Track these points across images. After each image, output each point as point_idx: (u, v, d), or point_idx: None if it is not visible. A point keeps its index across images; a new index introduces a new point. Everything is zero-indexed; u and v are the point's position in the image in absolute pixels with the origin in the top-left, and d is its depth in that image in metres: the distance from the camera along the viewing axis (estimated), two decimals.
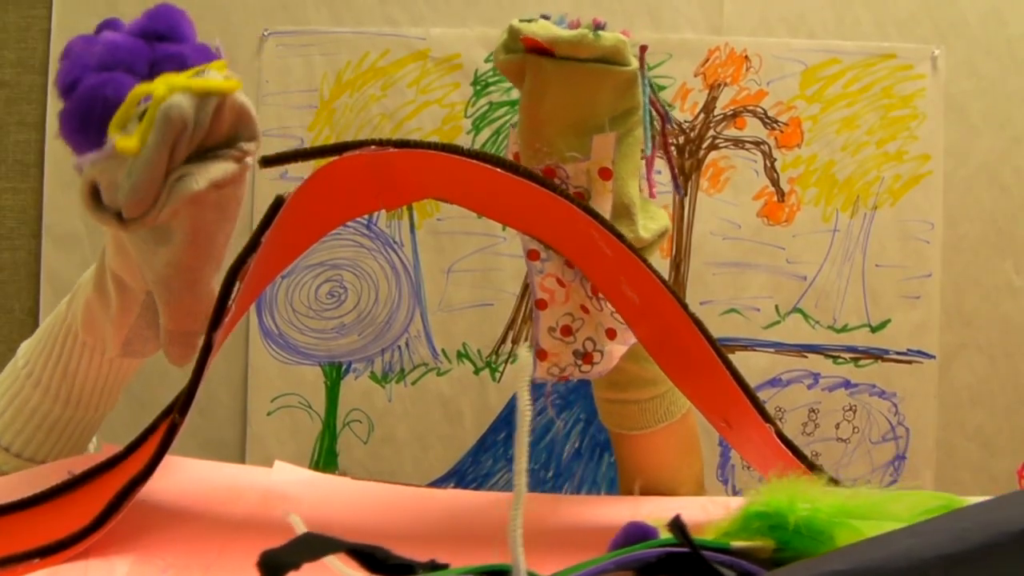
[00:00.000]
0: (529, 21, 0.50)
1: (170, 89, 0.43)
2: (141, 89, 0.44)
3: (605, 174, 0.50)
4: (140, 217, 0.44)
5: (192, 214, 0.45)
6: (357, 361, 1.36)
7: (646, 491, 0.62)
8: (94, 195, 0.45)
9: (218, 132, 0.45)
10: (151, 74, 0.45)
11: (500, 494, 0.55)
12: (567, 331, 0.51)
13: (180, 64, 0.46)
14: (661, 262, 1.35)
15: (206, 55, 0.47)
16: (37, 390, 0.54)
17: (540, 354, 0.52)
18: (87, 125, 0.44)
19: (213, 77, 0.44)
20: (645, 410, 0.58)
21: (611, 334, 0.51)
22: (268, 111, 1.34)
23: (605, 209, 0.50)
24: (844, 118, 1.36)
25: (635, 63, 0.50)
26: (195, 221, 0.45)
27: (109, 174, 0.44)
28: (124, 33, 0.47)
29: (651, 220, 0.53)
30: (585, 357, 0.52)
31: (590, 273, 0.49)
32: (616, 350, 0.51)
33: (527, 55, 0.49)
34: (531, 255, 0.51)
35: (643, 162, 0.53)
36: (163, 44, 0.47)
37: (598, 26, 0.48)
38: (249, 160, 0.46)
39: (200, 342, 0.40)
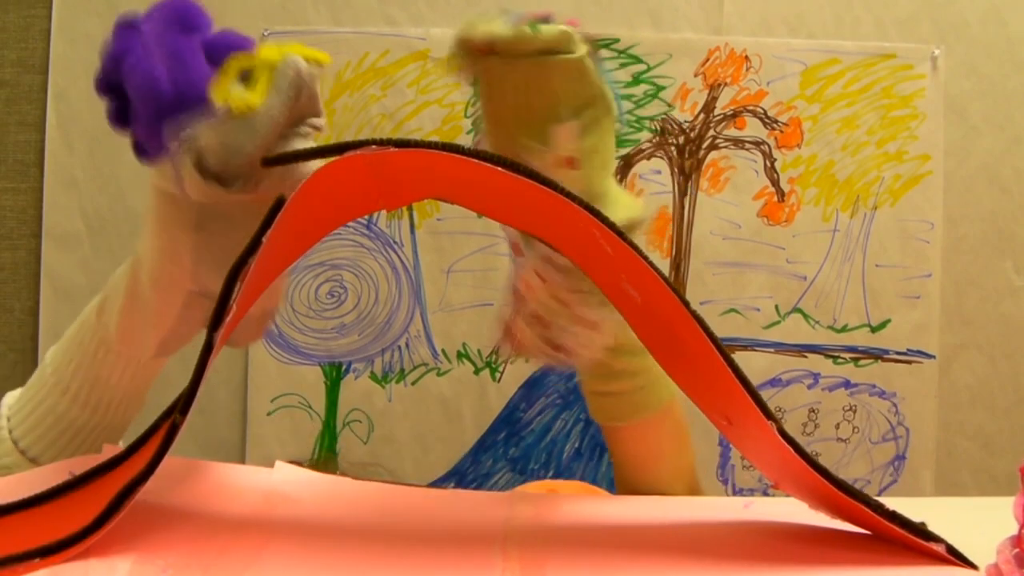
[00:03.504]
0: (483, 20, 0.50)
1: (282, 52, 0.43)
2: (241, 58, 0.44)
3: (571, 163, 0.50)
4: (254, 182, 0.44)
5: (285, 185, 0.45)
6: (357, 361, 1.36)
7: (637, 482, 0.62)
8: (200, 166, 0.44)
9: (312, 106, 0.46)
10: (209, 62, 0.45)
11: (500, 493, 0.55)
12: (539, 321, 0.52)
13: (236, 47, 0.46)
14: (661, 262, 1.35)
15: (245, 41, 0.47)
16: (65, 398, 0.53)
17: (508, 334, 0.53)
18: (163, 112, 0.44)
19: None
20: (625, 403, 0.58)
21: (590, 325, 0.52)
22: None
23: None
24: (844, 118, 1.36)
25: (582, 50, 0.49)
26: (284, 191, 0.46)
27: (220, 137, 0.43)
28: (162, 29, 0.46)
29: (618, 210, 0.53)
30: (557, 347, 0.52)
31: (591, 272, 0.49)
32: (595, 339, 0.52)
33: (474, 57, 0.50)
34: (514, 248, 0.52)
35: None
36: (200, 33, 0.47)
37: (542, 19, 0.49)
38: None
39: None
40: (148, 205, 0.49)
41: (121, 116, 0.47)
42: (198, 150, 0.44)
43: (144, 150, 0.46)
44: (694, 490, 0.64)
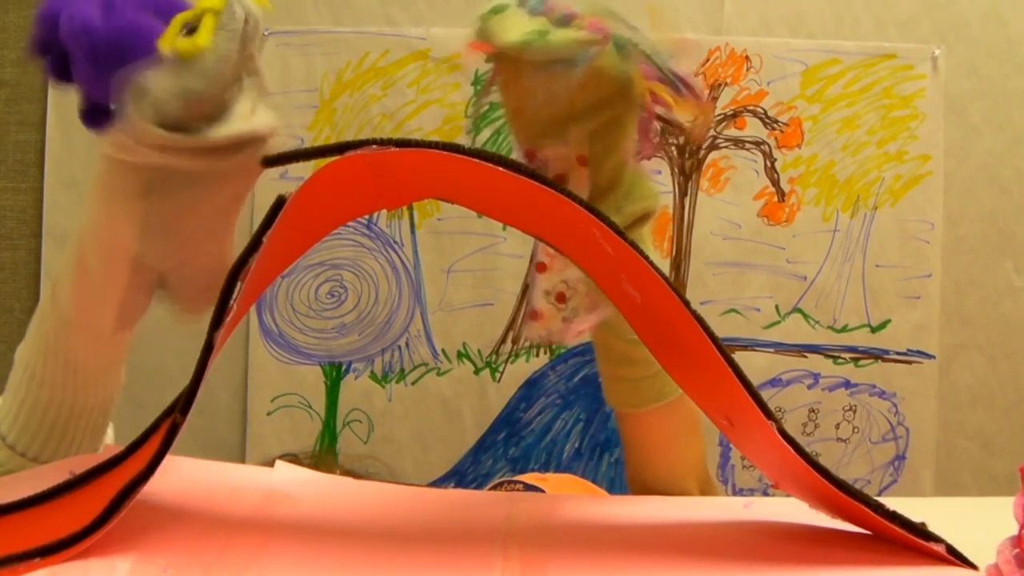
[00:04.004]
0: (504, 7, 0.50)
1: None
2: (186, 13, 0.44)
3: (583, 160, 0.51)
4: (216, 121, 0.44)
5: (254, 151, 0.46)
6: (357, 361, 1.36)
7: (648, 471, 0.62)
8: (158, 116, 0.44)
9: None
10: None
11: (500, 493, 0.55)
12: (561, 298, 0.52)
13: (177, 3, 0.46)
14: (661, 262, 1.35)
15: None
16: (43, 389, 0.53)
17: (533, 315, 0.53)
18: (113, 61, 0.44)
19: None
20: (638, 389, 0.58)
21: (593, 305, 0.52)
22: None
23: (582, 195, 0.51)
24: (844, 118, 1.36)
25: (594, 50, 0.49)
26: (245, 174, 0.46)
27: (173, 83, 0.44)
28: None
29: (631, 202, 0.53)
30: (572, 324, 0.53)
31: (591, 271, 0.49)
32: (591, 320, 0.53)
33: (495, 60, 0.50)
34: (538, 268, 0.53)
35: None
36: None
37: (565, 19, 0.48)
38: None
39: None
40: (95, 174, 0.49)
41: (61, 70, 0.47)
42: (153, 101, 0.44)
43: (92, 114, 0.47)
44: (705, 484, 0.64)
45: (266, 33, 1.33)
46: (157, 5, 0.46)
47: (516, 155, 0.53)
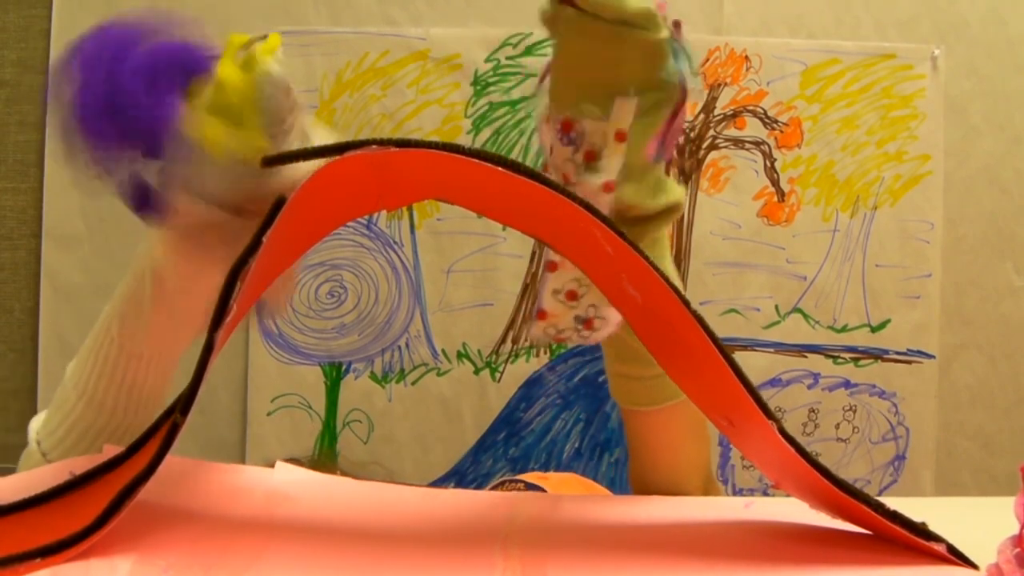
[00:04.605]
0: None
1: (248, 77, 0.43)
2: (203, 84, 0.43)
3: (620, 136, 0.50)
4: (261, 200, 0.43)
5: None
6: (357, 361, 1.36)
7: (652, 471, 0.62)
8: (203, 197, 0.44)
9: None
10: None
11: (500, 493, 0.55)
12: (572, 296, 0.52)
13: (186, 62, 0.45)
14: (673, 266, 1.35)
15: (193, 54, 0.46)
16: (91, 408, 0.54)
17: (540, 314, 0.53)
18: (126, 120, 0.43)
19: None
20: (649, 388, 0.58)
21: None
22: None
23: (615, 169, 0.50)
24: (844, 118, 1.36)
25: (664, 33, 0.49)
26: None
27: (216, 178, 0.43)
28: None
29: (663, 193, 0.53)
30: (586, 323, 0.52)
31: (591, 272, 0.49)
32: (616, 316, 0.52)
33: (557, 5, 0.49)
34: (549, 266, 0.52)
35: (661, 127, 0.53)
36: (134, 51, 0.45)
37: None
38: None
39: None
40: (156, 238, 0.50)
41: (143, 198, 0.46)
42: (196, 188, 0.44)
43: (142, 198, 0.46)
44: (709, 485, 0.64)
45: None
46: (157, 65, 0.44)
47: (551, 125, 0.52)
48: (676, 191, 0.53)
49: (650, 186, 0.52)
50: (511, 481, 0.65)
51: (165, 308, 0.51)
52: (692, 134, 1.36)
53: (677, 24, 0.50)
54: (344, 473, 0.68)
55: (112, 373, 0.53)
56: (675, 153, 0.56)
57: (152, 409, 0.55)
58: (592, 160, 0.51)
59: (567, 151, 0.51)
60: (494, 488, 0.65)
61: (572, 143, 0.51)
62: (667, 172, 0.58)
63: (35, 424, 0.57)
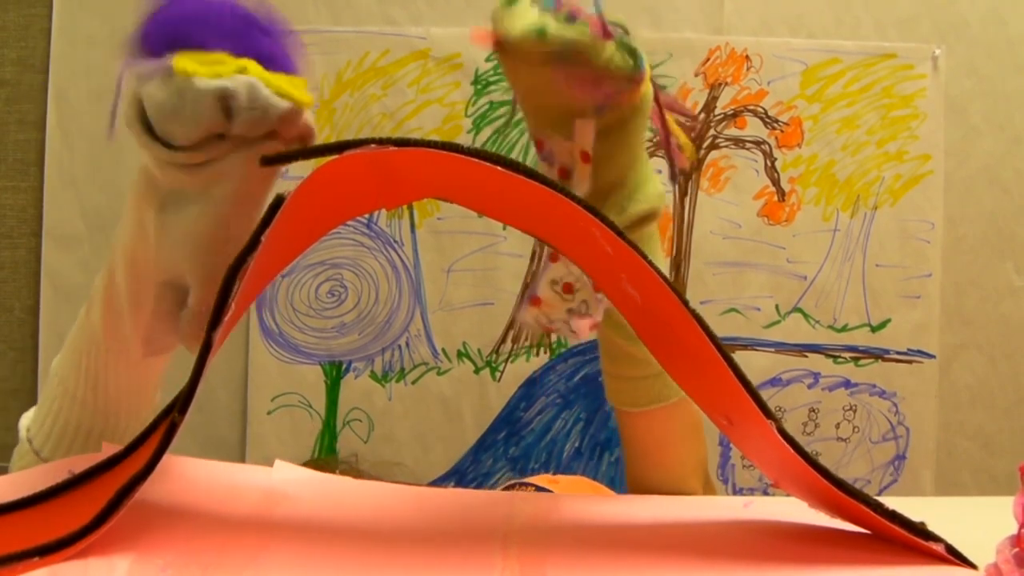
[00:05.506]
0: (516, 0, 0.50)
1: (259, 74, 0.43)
2: (230, 60, 0.43)
3: (585, 157, 0.51)
4: (196, 148, 0.43)
5: (244, 173, 0.44)
6: (357, 360, 1.36)
7: (646, 472, 0.62)
8: (142, 115, 0.43)
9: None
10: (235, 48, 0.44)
11: (500, 493, 0.55)
12: (568, 288, 0.52)
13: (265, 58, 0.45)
14: (666, 261, 1.35)
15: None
16: (75, 405, 0.53)
17: (534, 300, 0.53)
18: (169, 43, 0.43)
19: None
20: (638, 388, 0.58)
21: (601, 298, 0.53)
22: None
23: (583, 191, 0.51)
24: (844, 118, 1.36)
25: (605, 53, 0.49)
26: (244, 180, 0.45)
27: (158, 94, 0.42)
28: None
29: (634, 203, 0.53)
30: (576, 318, 0.53)
31: (591, 271, 0.49)
32: (591, 319, 0.53)
33: (494, 46, 0.50)
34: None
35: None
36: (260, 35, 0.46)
37: (571, 17, 0.48)
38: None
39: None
40: (130, 183, 0.48)
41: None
42: (137, 99, 0.43)
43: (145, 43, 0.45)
44: (707, 485, 0.64)
45: None
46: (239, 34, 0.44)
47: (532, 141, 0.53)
48: (653, 198, 0.54)
49: (622, 200, 0.52)
50: (521, 484, 0.65)
51: (113, 291, 0.50)
52: (692, 134, 1.36)
53: (620, 28, 0.50)
54: (368, 476, 0.68)
55: (83, 363, 0.52)
56: (684, 154, 0.56)
57: (120, 414, 0.54)
58: (565, 177, 0.52)
59: (544, 167, 0.53)
60: (504, 491, 0.65)
61: (547, 160, 0.53)
62: (674, 175, 0.58)
63: (25, 420, 0.56)
